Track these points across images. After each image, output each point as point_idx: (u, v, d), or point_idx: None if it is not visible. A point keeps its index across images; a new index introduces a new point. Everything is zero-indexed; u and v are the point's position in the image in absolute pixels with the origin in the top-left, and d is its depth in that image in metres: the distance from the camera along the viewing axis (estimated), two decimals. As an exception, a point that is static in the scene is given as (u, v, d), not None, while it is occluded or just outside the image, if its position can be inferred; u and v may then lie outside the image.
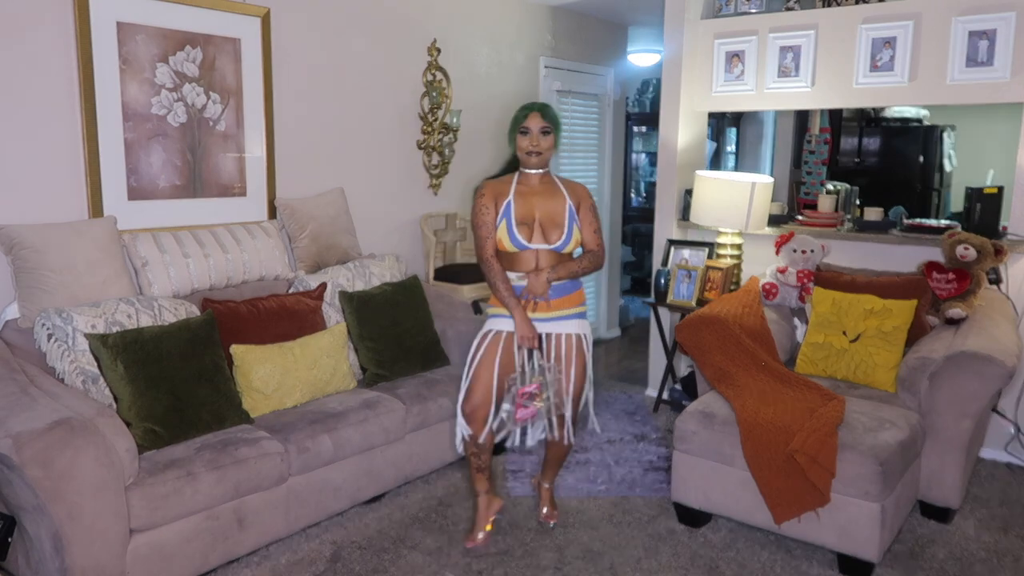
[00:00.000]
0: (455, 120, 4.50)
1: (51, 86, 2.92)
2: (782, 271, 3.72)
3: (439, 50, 4.45)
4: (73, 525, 2.17)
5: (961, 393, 2.88)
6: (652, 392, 4.68)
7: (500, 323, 2.77)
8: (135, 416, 2.56)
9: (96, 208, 3.06)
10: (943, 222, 3.97)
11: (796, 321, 3.75)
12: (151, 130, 3.21)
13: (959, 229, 3.64)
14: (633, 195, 8.03)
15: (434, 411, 3.29)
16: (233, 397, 2.86)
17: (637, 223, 7.68)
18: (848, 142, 7.25)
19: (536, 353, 2.74)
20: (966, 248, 3.37)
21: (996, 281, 3.56)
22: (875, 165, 7.17)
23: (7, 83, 2.81)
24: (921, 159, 6.92)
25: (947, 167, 7.17)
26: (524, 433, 2.80)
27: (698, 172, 4.25)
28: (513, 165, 2.85)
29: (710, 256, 4.27)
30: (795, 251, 3.73)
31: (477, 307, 3.75)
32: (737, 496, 2.86)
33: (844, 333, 3.35)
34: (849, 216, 4.40)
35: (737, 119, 7.20)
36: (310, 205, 3.69)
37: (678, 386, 4.39)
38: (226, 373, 2.88)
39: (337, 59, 3.94)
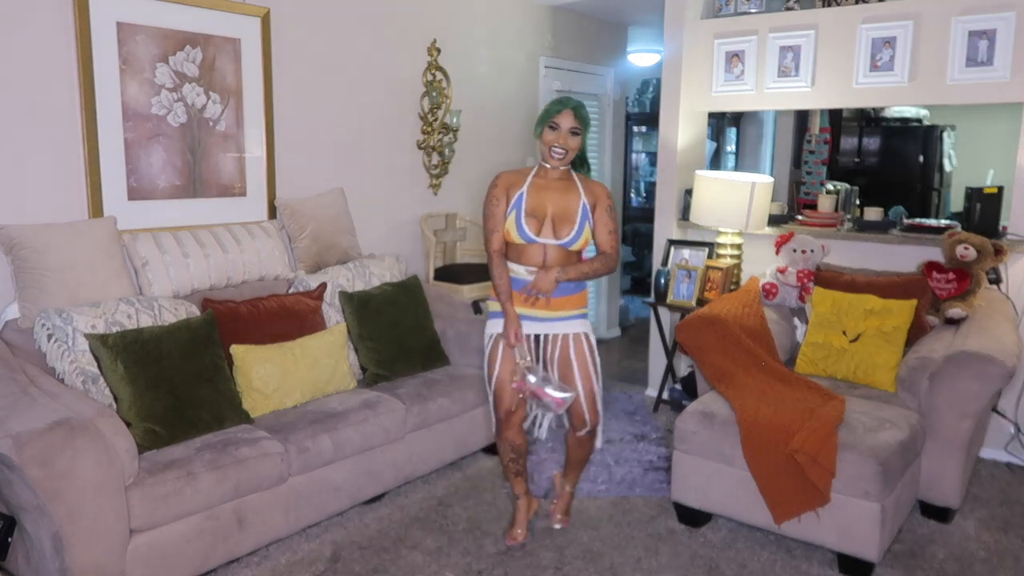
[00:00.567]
0: (455, 120, 4.50)
1: (51, 86, 2.92)
2: (782, 271, 3.72)
3: (439, 50, 4.45)
4: (73, 525, 2.17)
5: (961, 393, 2.88)
6: (652, 392, 4.68)
7: (501, 324, 2.74)
8: (135, 416, 2.56)
9: (96, 208, 3.06)
10: (943, 222, 3.97)
11: (796, 321, 3.75)
12: (151, 130, 3.21)
13: (959, 229, 3.64)
14: (633, 195, 8.03)
15: (434, 411, 3.29)
16: (233, 397, 2.86)
17: (637, 223, 7.68)
18: (848, 142, 7.25)
19: (524, 352, 2.70)
20: (966, 248, 3.37)
21: (996, 281, 3.56)
22: (875, 165, 7.17)
23: (7, 83, 2.81)
24: (921, 159, 6.91)
25: (947, 167, 7.17)
26: (535, 423, 2.81)
27: (698, 172, 4.25)
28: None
29: (710, 256, 4.27)
30: (795, 251, 3.73)
31: (477, 307, 3.75)
32: (737, 496, 2.86)
33: (844, 333, 3.35)
34: (849, 216, 4.40)
35: (737, 119, 7.20)
36: (310, 205, 3.69)
37: (678, 386, 4.39)
38: (226, 373, 2.87)
39: (337, 59, 3.94)
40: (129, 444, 2.36)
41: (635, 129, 7.83)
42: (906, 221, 3.96)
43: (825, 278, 3.64)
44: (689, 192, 4.40)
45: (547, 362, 2.77)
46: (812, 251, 3.71)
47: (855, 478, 2.59)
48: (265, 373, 2.98)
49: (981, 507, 3.20)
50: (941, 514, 3.04)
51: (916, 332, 3.33)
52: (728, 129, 7.24)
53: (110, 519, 2.24)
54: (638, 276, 7.57)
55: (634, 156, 7.96)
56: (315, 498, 2.86)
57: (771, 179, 4.14)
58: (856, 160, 7.21)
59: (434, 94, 4.41)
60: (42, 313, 2.68)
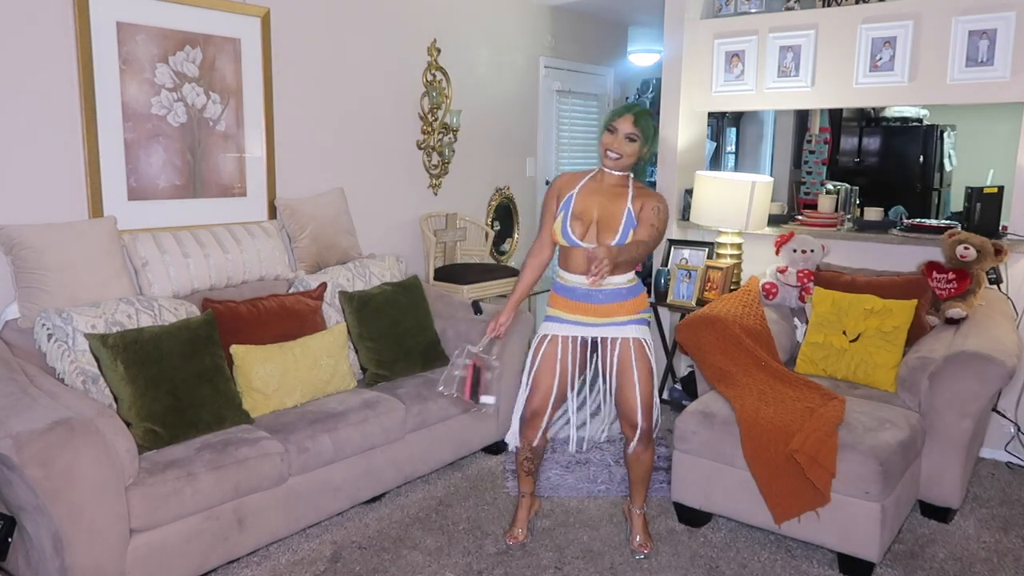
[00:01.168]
0: (455, 120, 4.50)
1: (51, 86, 2.92)
2: (782, 271, 3.72)
3: (439, 50, 4.45)
4: (73, 525, 2.17)
5: (961, 393, 2.88)
6: (652, 392, 4.67)
7: (555, 327, 2.70)
8: (135, 416, 2.56)
9: (96, 208, 3.06)
10: (943, 222, 3.97)
11: (796, 321, 3.75)
12: (151, 130, 3.21)
13: (959, 229, 3.64)
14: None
15: (434, 411, 3.29)
16: (233, 397, 2.86)
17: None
18: (848, 142, 7.25)
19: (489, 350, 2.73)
20: (966, 248, 3.37)
21: (996, 281, 3.56)
22: (875, 165, 7.18)
23: (7, 83, 2.81)
24: (921, 159, 6.92)
25: (947, 167, 7.17)
26: (582, 437, 2.79)
27: (698, 172, 4.25)
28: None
29: (710, 256, 4.27)
30: (795, 251, 3.72)
31: (477, 307, 3.75)
32: (737, 496, 2.86)
33: (844, 333, 3.35)
34: (849, 216, 4.40)
35: (737, 119, 7.20)
36: (310, 205, 3.69)
37: (678, 386, 4.39)
38: (226, 373, 2.87)
39: (337, 59, 3.94)
40: (129, 444, 2.36)
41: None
42: (906, 221, 3.96)
43: (825, 278, 3.64)
44: (689, 192, 4.40)
45: (604, 368, 2.70)
46: (812, 251, 3.71)
47: (855, 478, 2.59)
48: (265, 373, 2.98)
49: (981, 507, 3.20)
50: (941, 514, 3.04)
51: (916, 332, 3.33)
52: (728, 129, 7.23)
53: (110, 519, 2.24)
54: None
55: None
56: (315, 498, 2.86)
57: (771, 179, 4.14)
58: (856, 160, 7.22)
59: (434, 94, 4.41)
60: (42, 313, 2.68)
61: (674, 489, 3.04)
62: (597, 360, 2.74)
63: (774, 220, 4.21)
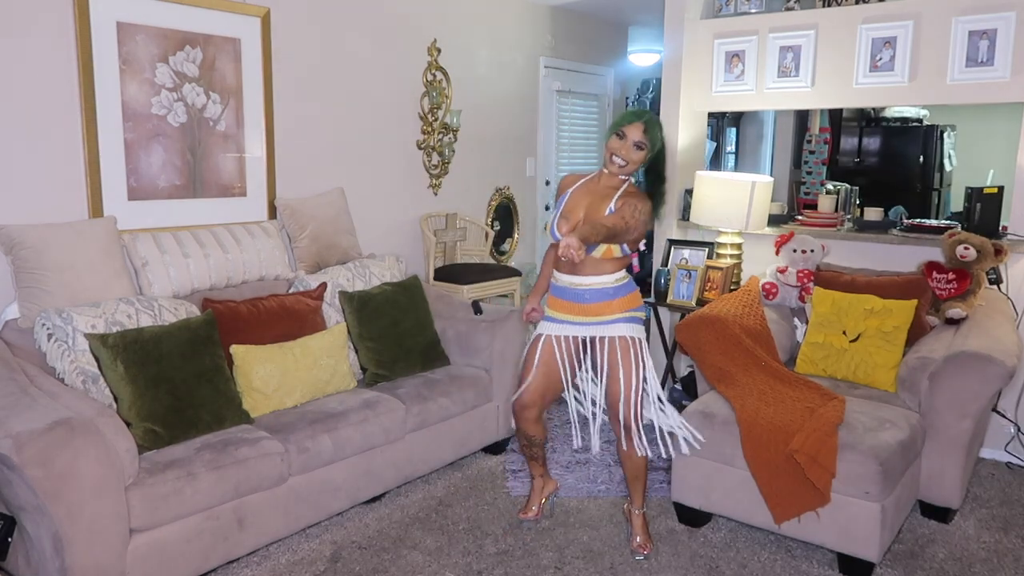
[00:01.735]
0: (455, 120, 4.50)
1: (51, 86, 2.92)
2: (782, 271, 3.72)
3: (439, 50, 4.45)
4: (73, 525, 2.17)
5: (961, 393, 2.88)
6: (652, 392, 4.67)
7: (549, 326, 2.79)
8: (135, 416, 2.56)
9: (96, 208, 3.06)
10: (943, 222, 3.97)
11: (796, 321, 3.75)
12: (151, 130, 3.21)
13: (959, 229, 3.64)
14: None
15: (434, 411, 3.29)
16: (233, 397, 2.86)
17: (637, 223, 7.67)
18: (848, 142, 7.26)
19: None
20: (966, 248, 3.37)
21: (996, 281, 3.56)
22: (875, 165, 7.18)
23: (7, 83, 2.81)
24: (921, 159, 6.92)
25: (947, 167, 7.17)
26: (586, 438, 2.90)
27: (698, 172, 4.25)
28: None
29: (710, 256, 4.27)
30: (795, 251, 3.72)
31: (477, 307, 3.75)
32: (737, 496, 2.86)
33: (844, 333, 3.35)
34: (849, 216, 4.40)
35: (737, 119, 7.20)
36: (310, 205, 3.69)
37: (678, 386, 4.39)
38: (226, 373, 2.87)
39: (337, 59, 3.94)
40: (129, 444, 2.36)
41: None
42: (906, 221, 3.96)
43: (825, 278, 3.64)
44: (689, 192, 4.40)
45: (596, 366, 2.78)
46: (812, 251, 3.71)
47: (855, 478, 2.59)
48: (265, 373, 2.98)
49: (981, 507, 3.20)
50: (941, 514, 3.04)
51: (916, 332, 3.33)
52: (728, 129, 7.24)
53: (110, 519, 2.24)
54: (638, 276, 7.57)
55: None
56: (315, 498, 2.86)
57: (771, 179, 4.14)
58: (856, 160, 7.22)
59: (434, 94, 4.41)
60: (42, 313, 2.68)
61: (674, 489, 3.04)
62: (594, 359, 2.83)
63: (774, 220, 4.21)
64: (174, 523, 2.44)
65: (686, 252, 4.37)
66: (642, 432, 2.70)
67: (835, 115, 6.92)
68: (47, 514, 2.15)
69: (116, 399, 2.60)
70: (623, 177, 2.69)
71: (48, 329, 2.66)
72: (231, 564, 2.69)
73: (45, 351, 2.65)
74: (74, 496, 2.16)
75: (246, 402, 2.93)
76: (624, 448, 2.74)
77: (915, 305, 3.29)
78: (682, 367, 4.61)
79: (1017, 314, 3.54)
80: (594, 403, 2.90)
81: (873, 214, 4.09)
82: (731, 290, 4.03)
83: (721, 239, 4.19)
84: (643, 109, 2.73)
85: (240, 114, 3.52)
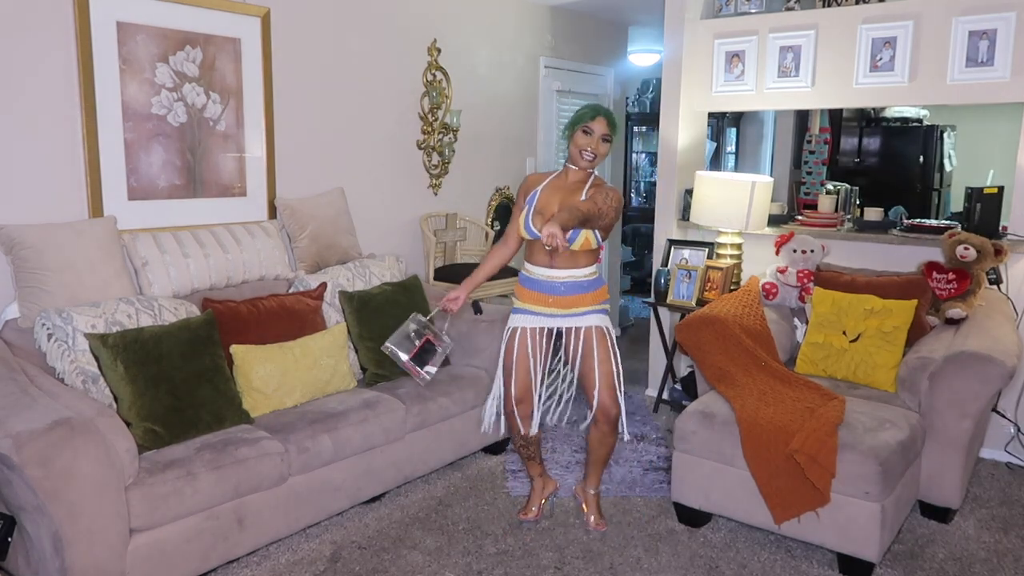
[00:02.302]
0: (455, 120, 4.50)
1: (51, 86, 2.92)
2: (782, 271, 3.72)
3: (439, 50, 4.45)
4: (73, 525, 2.17)
5: (961, 393, 2.88)
6: (652, 392, 4.68)
7: (523, 319, 2.84)
8: (135, 416, 2.56)
9: (96, 208, 3.06)
10: (943, 222, 3.97)
11: (796, 321, 3.75)
12: (151, 130, 3.21)
13: (959, 229, 3.64)
14: (633, 195, 8.03)
15: (434, 411, 3.29)
16: (233, 397, 2.86)
17: (637, 223, 7.68)
18: (848, 142, 7.26)
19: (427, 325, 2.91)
20: (966, 248, 3.37)
21: (996, 281, 3.56)
22: (875, 165, 7.18)
23: (7, 83, 2.81)
24: (921, 159, 6.92)
25: (947, 167, 7.17)
26: (547, 411, 2.94)
27: (698, 172, 4.25)
28: None
29: (710, 256, 4.27)
30: (795, 251, 3.73)
31: (477, 307, 3.75)
32: (737, 496, 2.86)
33: (844, 333, 3.35)
34: (849, 216, 4.40)
35: (737, 119, 7.21)
36: (310, 205, 3.69)
37: (678, 386, 4.39)
38: (226, 373, 2.87)
39: (337, 59, 3.94)
40: (129, 444, 2.36)
41: (635, 129, 7.83)
42: (906, 221, 3.96)
43: (825, 278, 3.64)
44: (689, 192, 4.40)
45: (568, 355, 2.85)
46: (812, 251, 3.71)
47: (855, 478, 2.59)
48: (265, 373, 2.98)
49: (981, 507, 3.20)
50: (941, 514, 3.04)
51: (916, 332, 3.33)
52: (728, 129, 7.24)
53: (110, 519, 2.24)
54: (638, 276, 7.58)
55: (634, 156, 7.95)
56: (315, 498, 2.86)
57: (771, 179, 4.14)
58: (856, 160, 7.22)
59: (434, 94, 4.41)
60: (42, 313, 2.68)
61: (674, 489, 3.04)
62: (561, 349, 2.89)
63: (774, 220, 4.21)
64: (174, 523, 2.44)
65: (686, 252, 4.37)
66: (624, 416, 2.82)
67: (835, 115, 6.92)
68: (47, 514, 2.15)
69: (116, 399, 2.60)
70: (589, 171, 2.81)
71: (48, 329, 2.66)
72: (231, 564, 2.69)
73: (45, 351, 2.65)
74: (74, 496, 2.16)
75: (246, 402, 2.93)
76: (603, 431, 2.82)
77: (915, 305, 3.29)
78: (682, 367, 4.61)
79: (1017, 314, 3.54)
80: (569, 385, 2.96)
81: (873, 214, 4.09)
82: (731, 290, 4.03)
83: (721, 239, 4.19)
84: (597, 104, 2.83)
85: (240, 114, 3.51)
